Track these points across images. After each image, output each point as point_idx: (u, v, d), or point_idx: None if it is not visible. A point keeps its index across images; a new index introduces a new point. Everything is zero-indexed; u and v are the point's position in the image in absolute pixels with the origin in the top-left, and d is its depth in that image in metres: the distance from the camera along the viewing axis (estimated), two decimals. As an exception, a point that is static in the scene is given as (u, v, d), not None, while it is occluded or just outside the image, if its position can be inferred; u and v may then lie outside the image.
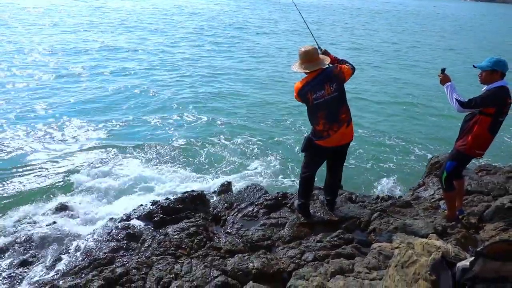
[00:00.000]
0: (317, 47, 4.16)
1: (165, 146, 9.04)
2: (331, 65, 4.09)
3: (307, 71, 3.95)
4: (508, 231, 4.30)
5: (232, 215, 4.94)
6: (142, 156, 8.52)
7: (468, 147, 4.23)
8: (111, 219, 5.38)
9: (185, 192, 6.57)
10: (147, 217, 5.02)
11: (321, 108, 3.94)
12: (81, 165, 7.91)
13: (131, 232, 4.55)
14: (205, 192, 6.62)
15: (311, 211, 4.69)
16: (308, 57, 3.94)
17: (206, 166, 8.32)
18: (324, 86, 3.90)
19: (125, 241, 4.34)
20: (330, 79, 3.91)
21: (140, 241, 4.39)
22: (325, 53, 4.29)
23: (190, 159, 8.60)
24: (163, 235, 4.28)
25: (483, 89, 4.19)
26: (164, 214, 5.02)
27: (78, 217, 5.90)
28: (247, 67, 16.94)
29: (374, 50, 20.93)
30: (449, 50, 19.91)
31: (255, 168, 8.32)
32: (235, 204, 5.24)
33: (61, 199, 6.70)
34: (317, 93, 3.91)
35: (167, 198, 5.78)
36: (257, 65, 17.28)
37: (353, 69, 4.11)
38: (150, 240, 4.34)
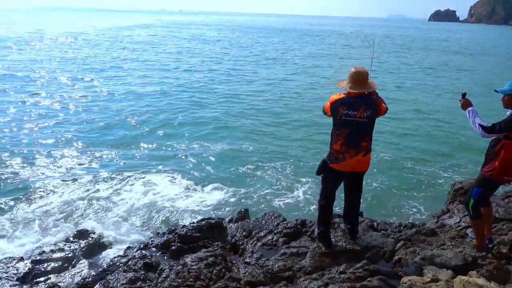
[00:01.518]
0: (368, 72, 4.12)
1: (181, 173, 9.04)
2: (373, 96, 4.06)
3: (353, 91, 3.92)
4: (542, 261, 4.07)
5: (251, 244, 4.82)
6: (158, 183, 8.50)
7: (496, 173, 4.09)
8: (128, 247, 5.33)
9: (202, 220, 6.53)
10: (164, 245, 4.95)
11: (347, 126, 3.91)
12: (96, 190, 7.93)
13: (149, 261, 4.46)
14: (223, 220, 6.58)
15: (332, 239, 4.54)
16: (358, 78, 3.94)
17: (223, 192, 8.23)
18: (360, 108, 3.88)
19: (143, 272, 4.25)
20: (367, 105, 3.90)
21: (158, 271, 4.28)
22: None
23: (205, 183, 8.54)
24: (181, 266, 4.17)
25: (507, 113, 4.08)
26: (181, 242, 4.93)
27: (96, 244, 5.85)
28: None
29: (389, 71, 20.90)
30: (467, 71, 19.70)
31: (273, 195, 8.21)
32: (253, 232, 5.12)
33: (80, 223, 6.71)
34: (350, 111, 3.89)
35: (184, 226, 5.71)
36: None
37: (387, 109, 4.10)
38: (168, 270, 4.23)
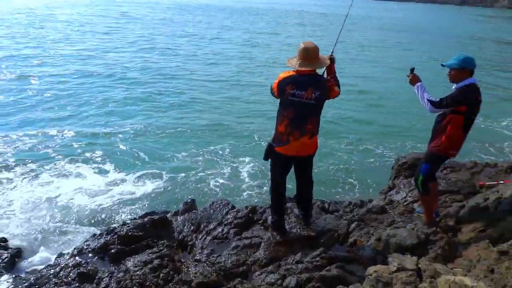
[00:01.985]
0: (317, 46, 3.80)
1: (109, 161, 8.28)
2: (324, 76, 3.84)
3: (302, 68, 3.65)
4: (486, 231, 4.21)
5: (200, 239, 4.47)
6: (84, 174, 7.70)
7: (443, 148, 4.10)
8: (60, 254, 4.73)
9: (144, 215, 6.03)
10: (102, 249, 4.43)
11: (293, 107, 3.69)
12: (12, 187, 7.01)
13: (84, 270, 3.94)
14: (167, 214, 6.13)
15: (286, 227, 4.33)
16: (308, 54, 3.67)
17: (162, 181, 7.69)
18: (308, 89, 3.64)
19: (77, 283, 3.73)
20: (317, 86, 3.65)
21: (96, 281, 3.80)
22: (332, 60, 4.01)
23: (139, 171, 7.93)
24: (123, 272, 3.72)
25: (453, 88, 4.08)
26: (122, 244, 4.44)
27: (19, 254, 5.12)
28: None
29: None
30: (407, 49, 20.29)
31: (216, 179, 7.87)
32: (202, 226, 4.77)
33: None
34: (298, 91, 3.64)
35: (124, 224, 5.19)
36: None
37: (339, 93, 3.89)
38: (108, 278, 3.77)
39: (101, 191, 7.20)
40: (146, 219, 4.72)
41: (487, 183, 5.83)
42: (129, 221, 5.57)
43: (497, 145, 9.84)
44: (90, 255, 4.38)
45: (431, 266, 2.45)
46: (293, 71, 3.75)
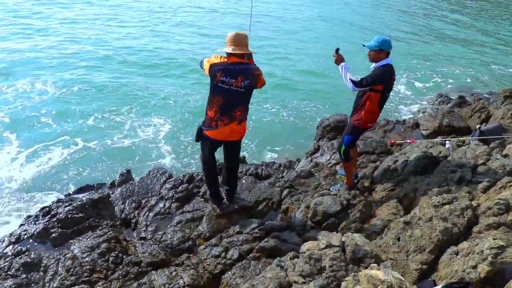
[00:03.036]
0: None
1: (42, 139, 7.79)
2: (253, 66, 3.93)
3: (235, 52, 3.75)
4: (394, 190, 4.97)
5: (143, 216, 4.65)
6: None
7: (362, 122, 4.63)
8: (-6, 242, 4.58)
9: (79, 190, 5.96)
10: (42, 234, 4.37)
11: (222, 94, 3.84)
12: None
13: (28, 260, 3.93)
14: (104, 186, 6.12)
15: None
16: (239, 40, 3.77)
17: (98, 156, 7.49)
18: (238, 77, 3.78)
19: (24, 274, 3.75)
20: (246, 75, 3.80)
21: (42, 269, 3.84)
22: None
23: (76, 149, 7.62)
24: (71, 259, 3.81)
25: (371, 67, 4.52)
26: (62, 227, 4.43)
27: None
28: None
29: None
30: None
31: (155, 150, 7.85)
32: (143, 202, 4.91)
33: None
34: (228, 78, 3.78)
35: (61, 202, 5.12)
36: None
37: (264, 85, 4.08)
38: (55, 266, 3.84)
39: (17, 164, 6.85)
40: (85, 200, 4.70)
41: (397, 141, 6.68)
42: (63, 198, 5.51)
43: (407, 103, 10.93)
44: (30, 241, 4.32)
45: (353, 241, 2.97)
46: (225, 57, 3.85)
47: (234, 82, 3.78)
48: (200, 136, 4.14)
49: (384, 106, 4.65)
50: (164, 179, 5.62)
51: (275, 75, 12.25)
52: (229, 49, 3.79)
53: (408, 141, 6.55)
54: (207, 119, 3.98)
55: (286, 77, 12.26)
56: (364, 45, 4.51)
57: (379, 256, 3.10)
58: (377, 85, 4.38)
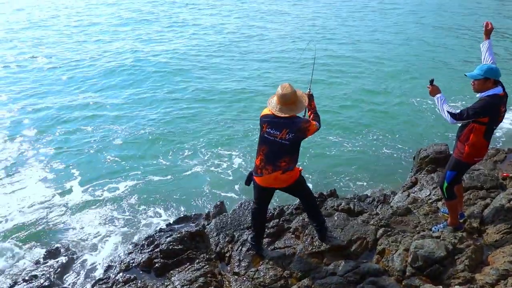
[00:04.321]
0: (295, 89, 3.95)
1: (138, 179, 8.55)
2: (302, 117, 3.99)
3: (283, 115, 3.82)
4: (511, 233, 4.38)
5: (236, 250, 4.77)
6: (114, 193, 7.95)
7: (466, 156, 4.22)
8: (108, 267, 5.11)
9: (178, 220, 6.38)
10: (147, 264, 4.77)
11: (267, 144, 3.93)
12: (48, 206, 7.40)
13: (135, 286, 4.30)
14: (200, 217, 6.47)
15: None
16: (284, 101, 3.84)
17: (193, 190, 7.94)
18: (282, 130, 3.83)
19: (132, 302, 4.10)
20: (291, 128, 3.82)
21: (147, 298, 4.16)
22: (311, 97, 4.22)
23: (176, 183, 8.18)
24: (172, 291, 4.07)
25: (477, 96, 4.14)
26: (164, 258, 4.77)
27: (68, 266, 5.57)
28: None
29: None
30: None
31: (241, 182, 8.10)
32: (236, 236, 5.06)
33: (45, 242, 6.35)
34: (273, 130, 3.87)
35: (162, 232, 5.55)
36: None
37: (319, 128, 4.03)
38: (158, 296, 4.13)
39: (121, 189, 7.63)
40: (184, 233, 5.01)
41: (510, 174, 5.94)
42: (165, 228, 5.94)
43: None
44: (137, 269, 4.74)
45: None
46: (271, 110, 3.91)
47: (279, 135, 3.83)
48: (249, 180, 4.29)
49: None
50: (253, 211, 5.74)
51: (363, 101, 11.90)
52: (275, 110, 3.85)
53: (525, 174, 5.78)
54: (255, 165, 4.10)
55: (376, 103, 11.80)
56: (466, 75, 4.17)
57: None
58: (481, 117, 3.98)
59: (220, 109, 11.63)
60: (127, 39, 18.73)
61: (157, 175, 8.34)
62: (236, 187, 7.92)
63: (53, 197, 7.59)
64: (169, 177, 8.30)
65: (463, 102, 11.11)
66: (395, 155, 8.81)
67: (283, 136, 3.83)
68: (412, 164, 7.07)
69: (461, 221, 4.73)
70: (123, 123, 10.70)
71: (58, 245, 6.03)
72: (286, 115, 3.82)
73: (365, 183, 7.86)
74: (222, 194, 7.74)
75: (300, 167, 4.21)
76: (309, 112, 4.27)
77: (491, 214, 4.75)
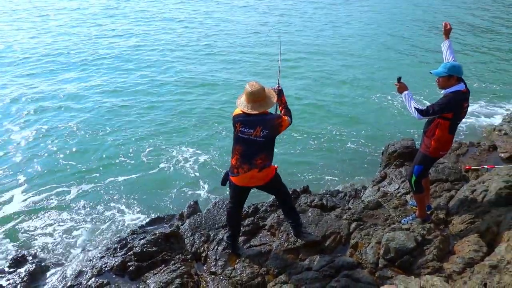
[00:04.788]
0: (264, 87, 3.96)
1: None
2: (274, 114, 4.01)
3: (254, 112, 3.83)
4: (474, 223, 4.60)
5: (212, 250, 4.76)
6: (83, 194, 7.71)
7: (432, 150, 4.39)
8: (79, 273, 4.95)
9: (151, 222, 6.28)
10: (120, 267, 4.67)
11: (242, 143, 3.95)
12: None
13: (109, 292, 4.20)
14: (174, 217, 6.38)
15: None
16: (254, 98, 3.85)
17: (163, 190, 7.81)
18: (256, 127, 3.85)
19: (106, 308, 4.00)
20: (265, 125, 3.85)
21: (122, 303, 4.07)
22: (280, 92, 4.21)
23: (143, 182, 8.02)
24: (147, 294, 4.00)
25: (441, 92, 4.31)
26: (138, 260, 4.69)
27: (36, 273, 5.34)
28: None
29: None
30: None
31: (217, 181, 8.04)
32: (212, 235, 5.04)
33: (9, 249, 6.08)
34: (247, 129, 3.88)
35: (135, 235, 5.43)
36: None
37: (291, 123, 4.07)
38: (133, 300, 4.05)
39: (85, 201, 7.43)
40: (158, 234, 4.93)
41: (472, 166, 6.24)
42: (137, 230, 5.82)
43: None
44: (110, 273, 4.63)
45: (433, 287, 2.78)
46: (242, 109, 3.92)
47: (253, 132, 3.85)
48: (225, 180, 4.29)
49: None
50: (228, 210, 5.73)
51: (325, 99, 12.09)
52: (246, 108, 3.86)
53: (486, 166, 6.10)
54: (231, 165, 4.11)
55: (341, 101, 12.05)
56: (431, 73, 4.33)
57: (464, 304, 2.87)
58: (446, 113, 4.16)
59: (185, 105, 11.53)
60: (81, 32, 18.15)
61: (122, 175, 8.15)
62: (207, 186, 7.87)
63: (16, 202, 7.28)
64: (134, 177, 8.12)
65: (429, 99, 11.53)
66: (361, 149, 9.03)
67: (258, 134, 3.85)
68: (381, 159, 7.28)
69: (428, 213, 4.92)
70: (79, 120, 10.43)
71: (24, 252, 5.77)
72: (258, 112, 3.84)
73: (336, 178, 8.01)
74: (194, 193, 7.66)
75: (276, 165, 4.24)
76: (280, 107, 4.28)
77: (456, 205, 4.98)
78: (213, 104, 11.61)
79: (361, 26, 21.15)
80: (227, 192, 7.27)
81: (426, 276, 2.96)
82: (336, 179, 7.98)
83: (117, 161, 8.70)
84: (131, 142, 9.48)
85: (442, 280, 2.92)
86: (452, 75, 4.12)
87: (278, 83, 4.27)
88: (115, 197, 7.45)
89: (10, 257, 5.69)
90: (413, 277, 3.03)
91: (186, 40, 17.89)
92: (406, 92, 4.33)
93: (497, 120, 10.26)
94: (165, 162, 8.65)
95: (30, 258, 5.63)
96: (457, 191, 5.37)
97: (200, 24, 20.85)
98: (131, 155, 8.94)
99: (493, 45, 17.53)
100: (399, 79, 4.39)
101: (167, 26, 20.31)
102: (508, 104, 11.49)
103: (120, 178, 8.06)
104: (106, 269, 4.71)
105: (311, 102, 11.80)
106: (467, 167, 6.23)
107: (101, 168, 8.43)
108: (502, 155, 6.68)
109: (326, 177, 8.00)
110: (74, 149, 9.10)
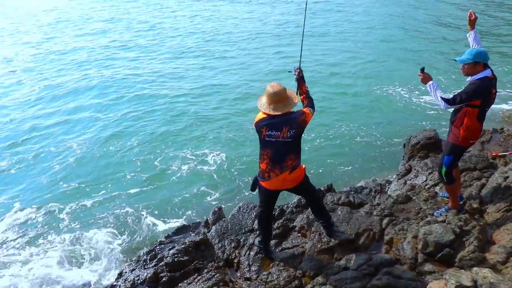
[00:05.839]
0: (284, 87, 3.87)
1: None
2: (297, 111, 3.88)
3: (278, 113, 3.75)
4: (511, 211, 4.49)
5: (244, 255, 4.69)
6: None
7: (461, 139, 4.29)
8: (112, 287, 4.92)
9: (178, 231, 6.23)
10: (153, 279, 4.63)
11: (270, 147, 3.86)
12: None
13: (145, 305, 4.16)
14: (200, 225, 6.33)
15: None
16: (276, 99, 3.77)
17: (183, 197, 7.74)
18: (282, 129, 3.77)
19: (144, 321, 3.95)
20: (291, 124, 3.77)
21: (160, 314, 4.02)
22: (301, 79, 4.15)
23: (161, 191, 7.96)
24: (185, 304, 3.95)
25: (467, 79, 4.21)
26: (171, 271, 4.64)
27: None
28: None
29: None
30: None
31: (236, 184, 7.99)
32: (242, 240, 4.98)
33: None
34: (273, 131, 3.79)
35: (163, 245, 5.40)
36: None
37: (313, 113, 3.99)
38: (171, 311, 4.00)
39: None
40: (188, 243, 4.88)
41: (499, 153, 6.11)
42: (164, 240, 5.78)
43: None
44: (143, 286, 4.59)
45: (486, 279, 2.69)
46: (265, 112, 3.84)
47: (280, 134, 3.77)
48: (255, 186, 4.22)
49: None
50: (254, 213, 5.67)
51: (346, 94, 12.00)
52: (269, 110, 3.78)
53: (513, 152, 5.96)
54: (260, 170, 4.02)
55: (358, 93, 11.94)
56: (455, 60, 4.24)
57: (520, 295, 2.77)
58: (474, 101, 4.06)
59: (201, 108, 11.48)
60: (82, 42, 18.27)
61: (136, 187, 8.05)
62: (227, 190, 7.79)
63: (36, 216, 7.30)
64: (151, 187, 8.03)
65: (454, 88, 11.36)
66: (377, 143, 8.90)
67: (285, 135, 3.77)
68: (403, 152, 7.17)
69: (461, 203, 4.81)
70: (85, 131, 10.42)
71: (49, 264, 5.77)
72: (282, 113, 3.76)
73: (356, 174, 7.91)
74: (215, 199, 7.59)
75: (304, 165, 4.17)
76: (301, 97, 4.16)
77: (489, 193, 4.86)
78: (221, 105, 11.57)
79: (370, 18, 21.03)
80: (250, 195, 7.37)
81: (475, 268, 2.87)
82: (357, 175, 7.87)
83: (130, 172, 8.63)
84: (140, 151, 9.42)
85: (493, 271, 2.82)
86: (478, 62, 4.03)
87: (299, 66, 4.16)
88: (135, 209, 7.40)
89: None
90: (463, 270, 2.93)
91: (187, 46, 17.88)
92: (430, 82, 4.24)
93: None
94: (180, 169, 8.57)
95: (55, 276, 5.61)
96: (488, 179, 5.25)
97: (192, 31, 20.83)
98: (143, 164, 8.86)
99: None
100: (422, 70, 4.30)
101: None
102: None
103: (134, 190, 7.95)
104: (138, 281, 4.67)
105: (320, 96, 11.68)
106: (494, 154, 6.10)
107: (112, 181, 8.35)
108: (528, 139, 6.53)
109: (346, 173, 7.91)
110: (75, 164, 9.05)
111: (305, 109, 3.94)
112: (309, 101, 4.11)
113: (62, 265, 6.08)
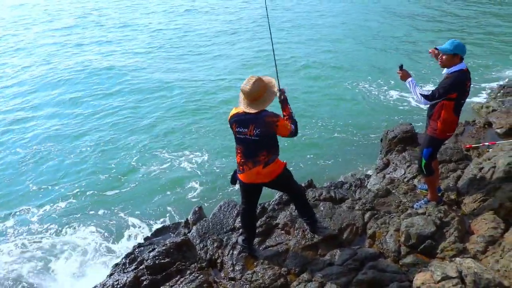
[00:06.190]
0: (261, 78, 3.77)
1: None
2: (269, 111, 3.76)
3: (252, 111, 3.69)
4: (486, 201, 4.61)
5: (227, 255, 4.60)
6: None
7: (439, 132, 4.37)
8: (89, 294, 4.73)
9: (157, 232, 6.07)
10: (133, 283, 4.44)
11: (241, 143, 3.87)
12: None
13: (126, 312, 4.01)
14: (180, 225, 6.19)
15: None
16: (252, 98, 3.70)
17: (162, 197, 7.59)
18: (249, 126, 3.74)
19: (126, 328, 3.80)
20: (256, 123, 3.70)
21: (142, 320, 3.89)
22: (284, 101, 4.02)
23: (139, 192, 7.77)
24: (168, 308, 3.83)
25: (443, 72, 4.29)
26: (152, 274, 4.49)
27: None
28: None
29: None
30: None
31: (216, 183, 7.88)
32: (224, 240, 4.89)
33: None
34: (242, 128, 3.79)
35: (142, 247, 5.23)
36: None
37: (292, 134, 3.89)
38: (153, 316, 3.87)
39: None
40: (169, 244, 4.75)
41: (472, 145, 6.27)
42: (143, 243, 5.61)
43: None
44: (124, 292, 4.42)
45: (470, 269, 2.73)
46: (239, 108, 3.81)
47: (247, 131, 3.75)
48: (234, 179, 4.19)
49: None
50: (235, 212, 5.60)
51: (321, 88, 12.07)
52: (244, 106, 3.74)
53: (486, 143, 6.14)
54: (237, 164, 4.01)
55: (333, 87, 12.04)
56: (436, 48, 4.29)
57: (502, 284, 2.83)
58: (451, 94, 4.14)
59: (176, 104, 11.30)
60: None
61: (115, 188, 7.84)
62: (207, 189, 7.69)
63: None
64: (128, 188, 7.83)
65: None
66: (353, 139, 8.98)
67: (251, 133, 3.72)
68: (381, 146, 7.26)
69: (439, 195, 4.91)
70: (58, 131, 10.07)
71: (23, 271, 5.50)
72: (254, 111, 3.68)
73: (335, 170, 7.94)
74: (195, 198, 7.47)
75: (285, 161, 4.12)
76: (284, 113, 4.04)
77: (465, 184, 4.98)
78: (202, 104, 11.38)
79: (341, 17, 21.28)
80: (230, 193, 7.28)
81: (458, 259, 2.91)
82: (336, 170, 7.92)
83: (104, 173, 8.36)
84: (117, 150, 9.16)
85: (475, 261, 2.87)
86: (457, 54, 4.10)
87: (279, 88, 3.97)
88: (112, 212, 7.18)
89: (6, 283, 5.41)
90: (447, 261, 2.97)
91: (162, 42, 17.55)
92: (409, 79, 4.29)
93: (481, 98, 10.47)
94: (159, 169, 8.41)
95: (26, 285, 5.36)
96: (463, 170, 5.38)
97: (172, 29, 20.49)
98: (118, 165, 8.62)
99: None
100: (401, 67, 4.35)
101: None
102: (489, 82, 11.71)
103: (110, 192, 7.74)
104: (118, 286, 4.48)
105: (295, 91, 11.70)
106: (468, 146, 6.26)
107: (86, 182, 8.09)
108: (498, 130, 6.75)
109: (325, 169, 7.94)
110: (44, 164, 8.71)
111: (280, 117, 3.82)
112: (291, 121, 3.96)
113: (33, 273, 5.82)
